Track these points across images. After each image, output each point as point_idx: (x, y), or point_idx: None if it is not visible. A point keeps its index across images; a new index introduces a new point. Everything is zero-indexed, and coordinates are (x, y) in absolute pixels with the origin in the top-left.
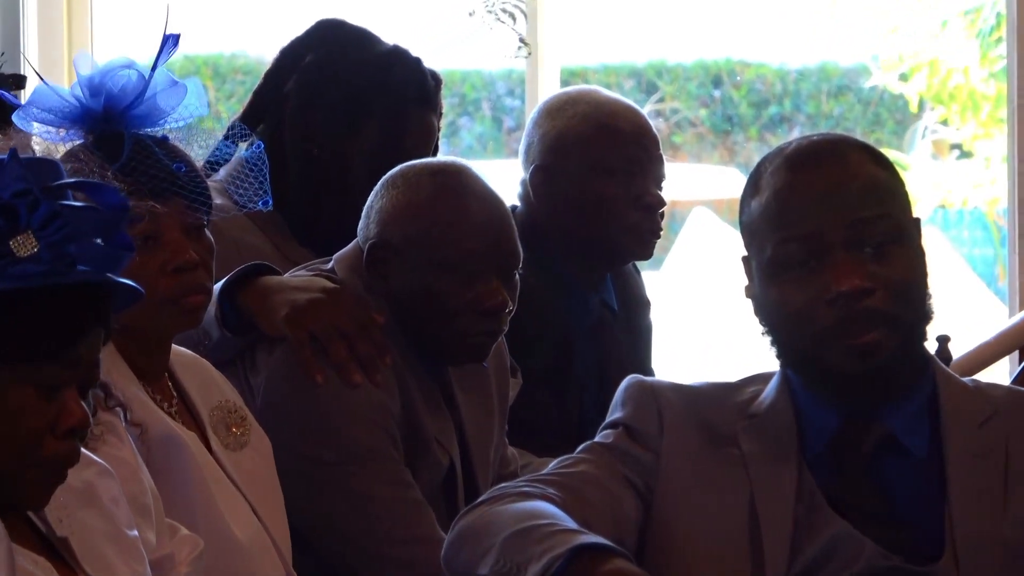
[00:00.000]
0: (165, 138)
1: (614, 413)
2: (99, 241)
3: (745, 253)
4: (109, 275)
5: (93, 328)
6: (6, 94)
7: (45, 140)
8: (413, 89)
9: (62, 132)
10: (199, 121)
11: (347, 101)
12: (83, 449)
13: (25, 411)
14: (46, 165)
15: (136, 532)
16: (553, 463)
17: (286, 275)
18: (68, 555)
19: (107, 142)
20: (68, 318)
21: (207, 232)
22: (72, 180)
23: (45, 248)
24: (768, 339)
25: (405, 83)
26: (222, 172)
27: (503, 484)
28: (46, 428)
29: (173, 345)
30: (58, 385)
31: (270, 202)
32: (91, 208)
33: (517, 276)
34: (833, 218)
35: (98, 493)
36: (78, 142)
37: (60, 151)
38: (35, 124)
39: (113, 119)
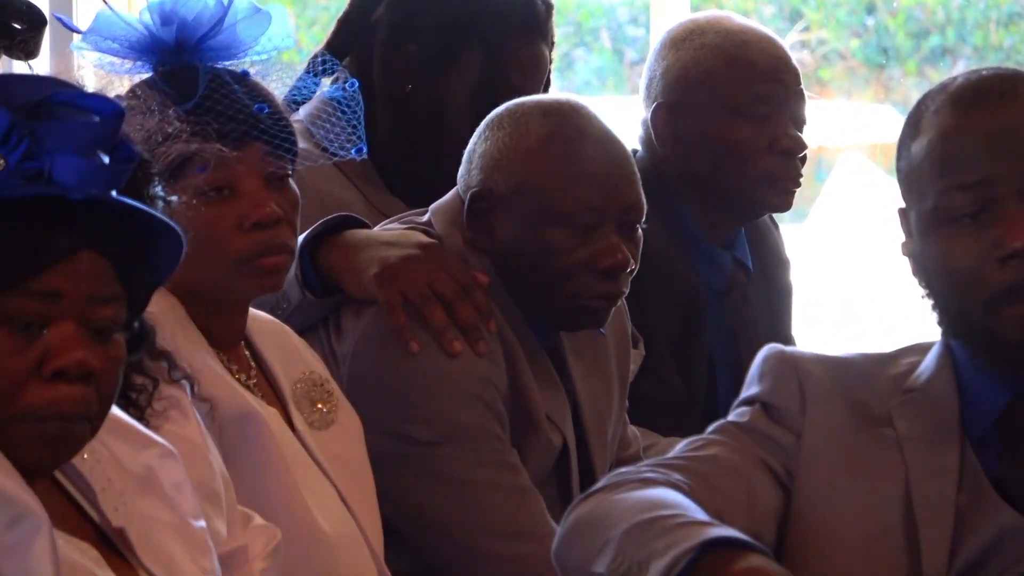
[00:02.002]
0: (246, 74)
1: (750, 388)
2: (105, 158)
3: (903, 204)
4: (93, 191)
5: (76, 253)
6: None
7: (108, 73)
8: (520, 15)
9: (127, 64)
10: (280, 55)
11: (444, 30)
12: (143, 428)
13: None
14: (27, 81)
15: (203, 522)
16: (680, 445)
17: (375, 229)
18: (125, 548)
19: (178, 77)
20: (25, 239)
21: (291, 183)
22: (62, 94)
23: (12, 165)
24: (929, 303)
25: (511, 8)
26: (303, 111)
27: (622, 469)
28: (28, 372)
29: (251, 309)
30: (34, 322)
31: (365, 149)
32: (77, 121)
33: (639, 231)
34: (1006, 164)
35: (159, 478)
36: (145, 75)
37: (124, 85)
38: (96, 55)
39: (186, 51)
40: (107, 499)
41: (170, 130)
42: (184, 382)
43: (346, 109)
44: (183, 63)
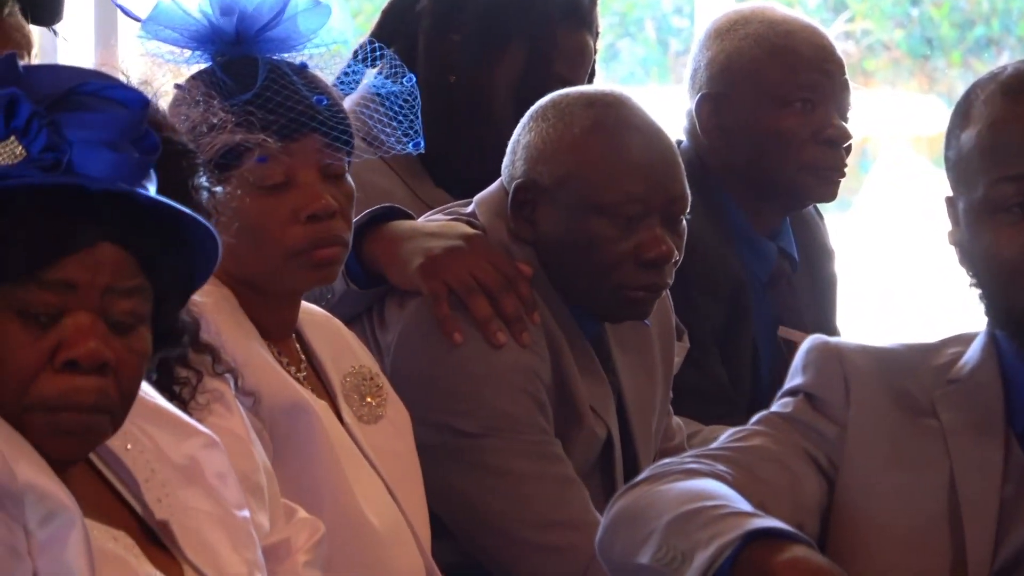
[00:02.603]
0: (304, 66)
1: (794, 379)
2: (130, 149)
3: (950, 193)
4: (116, 182)
5: (94, 244)
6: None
7: (166, 62)
8: (565, 5)
9: (186, 54)
10: (343, 48)
11: (489, 20)
12: (186, 418)
13: (10, 343)
14: (54, 72)
15: (247, 512)
16: (724, 435)
17: (420, 220)
18: (168, 541)
19: (237, 68)
20: (40, 229)
21: (347, 176)
22: (88, 85)
23: (33, 155)
24: (975, 293)
25: None
26: (347, 102)
27: (666, 460)
28: (41, 363)
29: (302, 301)
30: (47, 312)
31: (422, 144)
32: (101, 111)
33: (684, 222)
34: None
35: (202, 468)
36: (204, 65)
37: (167, 77)
38: (155, 44)
39: (245, 42)
40: (150, 490)
41: (215, 120)
42: (228, 375)
43: (403, 104)
44: (242, 54)
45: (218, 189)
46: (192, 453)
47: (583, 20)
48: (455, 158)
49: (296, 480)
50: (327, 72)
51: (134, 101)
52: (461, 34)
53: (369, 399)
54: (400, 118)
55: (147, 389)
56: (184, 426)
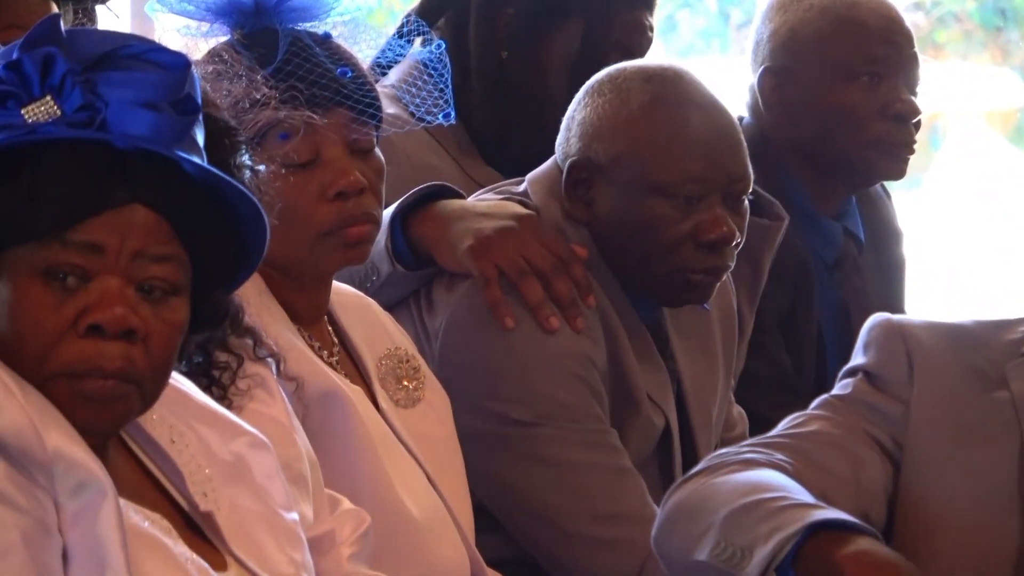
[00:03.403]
0: (327, 36)
1: (856, 358)
2: (170, 111)
3: None
4: (151, 143)
5: (124, 205)
6: None
7: (183, 36)
8: None
9: (204, 27)
10: (367, 16)
11: None
12: (233, 417)
13: (33, 305)
14: (98, 35)
15: (295, 514)
16: (782, 422)
17: (470, 199)
18: (213, 533)
19: (258, 40)
20: (67, 186)
21: (376, 150)
22: (130, 47)
23: (68, 114)
24: None
25: None
26: (393, 76)
27: (721, 450)
28: (64, 327)
29: (334, 282)
30: (73, 275)
31: (452, 115)
32: (140, 72)
33: (746, 202)
34: None
35: (249, 468)
36: (223, 39)
37: (201, 49)
38: (173, 18)
39: (265, 12)
40: (195, 484)
41: (258, 96)
42: (270, 360)
43: (433, 72)
44: (262, 25)
45: (261, 168)
46: (239, 452)
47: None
48: (507, 136)
49: (332, 470)
50: (357, 40)
51: (175, 64)
52: (515, 8)
53: (406, 382)
54: (430, 87)
55: (193, 388)
56: (231, 425)
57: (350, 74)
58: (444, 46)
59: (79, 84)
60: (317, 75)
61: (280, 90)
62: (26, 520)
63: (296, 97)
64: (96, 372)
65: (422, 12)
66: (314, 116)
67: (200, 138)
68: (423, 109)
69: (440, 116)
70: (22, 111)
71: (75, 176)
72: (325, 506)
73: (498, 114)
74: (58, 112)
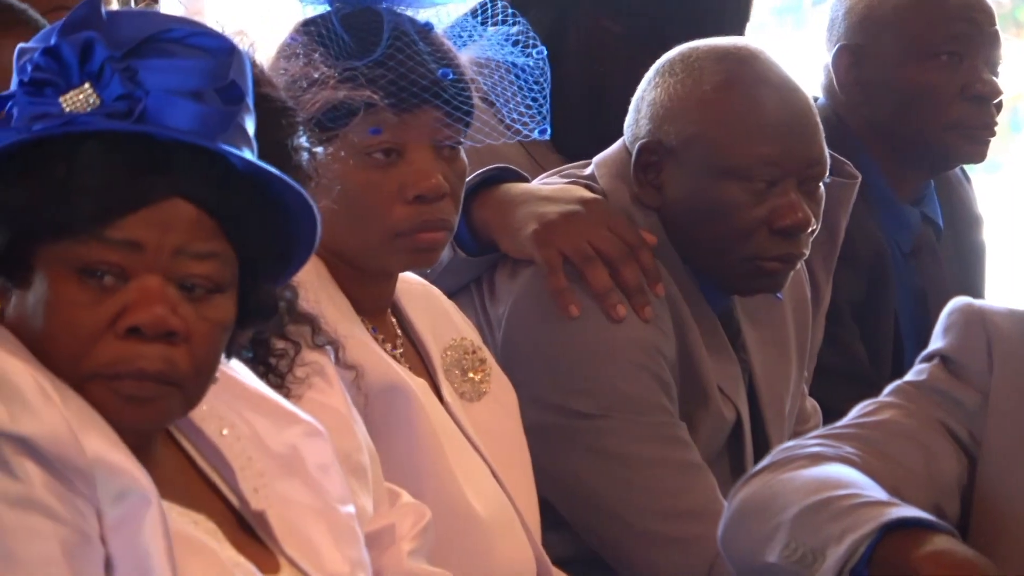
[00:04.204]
0: (430, 27)
1: (933, 343)
2: (214, 100)
3: None
4: (194, 134)
5: (164, 200)
6: None
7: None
8: (724, 21)
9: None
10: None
11: (650, 21)
12: (288, 404)
13: (68, 304)
14: (138, 17)
15: (351, 507)
16: (853, 411)
17: (534, 182)
18: (265, 533)
19: (358, 22)
20: (103, 180)
21: (462, 153)
22: (172, 31)
23: (107, 102)
24: None
25: (719, 13)
26: (481, 65)
27: (789, 443)
28: (102, 327)
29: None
30: (111, 273)
31: (548, 131)
32: (183, 59)
33: (822, 187)
34: None
35: (303, 459)
36: (322, 9)
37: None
38: None
39: None
40: (246, 479)
41: (316, 75)
42: (328, 348)
43: (535, 84)
44: (364, 4)
45: (319, 150)
46: (293, 442)
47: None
48: (596, 120)
49: (394, 465)
50: (458, 35)
51: (220, 48)
52: (622, 27)
53: (472, 374)
54: (528, 97)
55: (247, 374)
56: (286, 413)
57: (452, 76)
58: (546, 52)
59: (118, 72)
60: (418, 74)
61: (346, 70)
62: (65, 530)
63: (362, 76)
64: (132, 374)
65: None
66: (375, 97)
67: (250, 125)
68: (519, 122)
69: (536, 132)
70: (60, 99)
71: (112, 169)
72: (385, 500)
73: (591, 127)
74: (97, 101)
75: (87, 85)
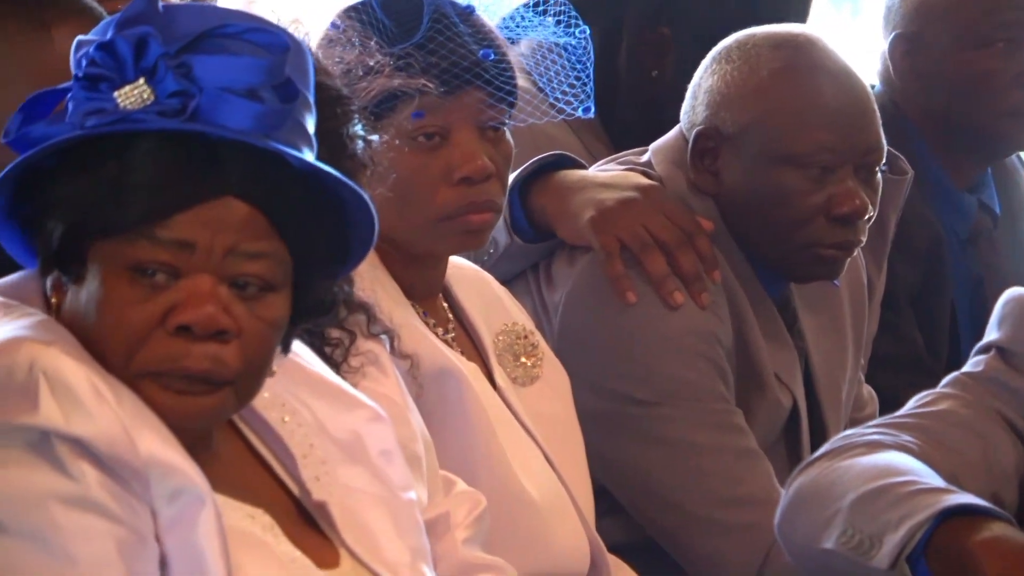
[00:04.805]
0: (471, 9)
1: (989, 334)
2: (268, 97)
3: None
4: (247, 132)
5: (216, 199)
6: None
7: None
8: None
9: None
10: None
11: (700, 27)
12: (350, 389)
13: (119, 301)
14: (195, 12)
15: (413, 494)
16: (910, 401)
17: (591, 169)
18: (326, 523)
19: (398, 6)
20: (154, 178)
21: (507, 134)
22: (228, 27)
23: (161, 98)
24: None
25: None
26: (524, 46)
27: (847, 432)
28: (152, 324)
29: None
30: (163, 272)
31: (592, 109)
32: (238, 56)
33: (879, 174)
34: None
35: (365, 445)
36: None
37: (317, 20)
38: None
39: None
40: (307, 467)
41: (371, 63)
42: (383, 337)
43: (573, 59)
44: None
45: (374, 138)
46: (355, 428)
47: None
48: (648, 111)
49: (448, 450)
50: (491, 14)
51: (276, 45)
52: (672, 31)
53: (524, 359)
54: (573, 74)
55: (309, 358)
56: (348, 398)
57: (493, 56)
58: (588, 31)
59: (172, 68)
60: (459, 56)
61: (401, 58)
62: (121, 529)
63: (417, 64)
64: (181, 372)
65: None
66: (430, 85)
67: (310, 122)
68: (563, 101)
69: (580, 110)
70: (114, 95)
71: (164, 168)
72: (439, 488)
73: (645, 124)
74: (151, 97)
75: (141, 81)
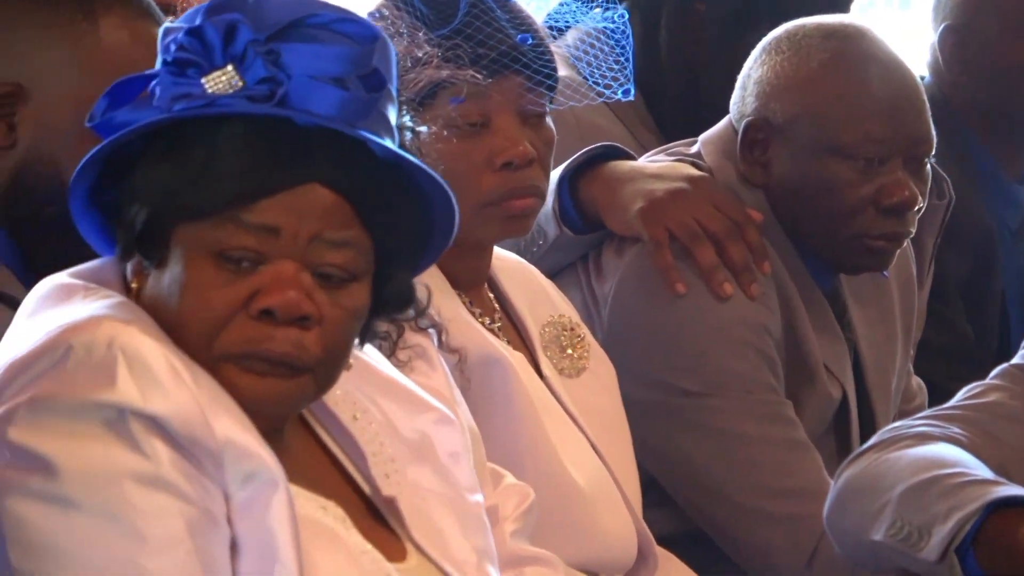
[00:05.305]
0: None
1: None
2: (355, 86)
3: None
4: (334, 120)
5: (302, 185)
6: None
7: None
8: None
9: None
10: None
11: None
12: (419, 391)
13: (202, 284)
14: (285, 2)
15: (479, 496)
16: (960, 393)
17: (640, 160)
18: (395, 519)
19: None
20: (241, 163)
21: (548, 120)
22: (318, 16)
23: (250, 85)
24: None
25: None
26: (570, 37)
27: (895, 424)
28: (235, 307)
29: (495, 248)
30: (247, 258)
31: (632, 91)
32: (327, 45)
33: (928, 165)
34: None
35: (434, 446)
36: None
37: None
38: None
39: None
40: (377, 464)
41: (420, 54)
42: (431, 330)
43: (615, 43)
44: None
45: (423, 129)
46: (424, 429)
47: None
48: (692, 99)
49: (494, 439)
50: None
51: (365, 36)
52: (706, 6)
53: (570, 351)
54: (612, 57)
55: (379, 359)
56: (417, 400)
57: (531, 40)
58: (627, 16)
59: (261, 55)
60: (497, 40)
61: (450, 49)
62: (192, 510)
63: (466, 56)
64: (262, 355)
65: None
66: (478, 76)
67: (392, 114)
68: (602, 84)
69: (620, 92)
70: (203, 80)
71: (252, 153)
72: (488, 481)
73: (687, 101)
74: (239, 83)
75: (230, 67)
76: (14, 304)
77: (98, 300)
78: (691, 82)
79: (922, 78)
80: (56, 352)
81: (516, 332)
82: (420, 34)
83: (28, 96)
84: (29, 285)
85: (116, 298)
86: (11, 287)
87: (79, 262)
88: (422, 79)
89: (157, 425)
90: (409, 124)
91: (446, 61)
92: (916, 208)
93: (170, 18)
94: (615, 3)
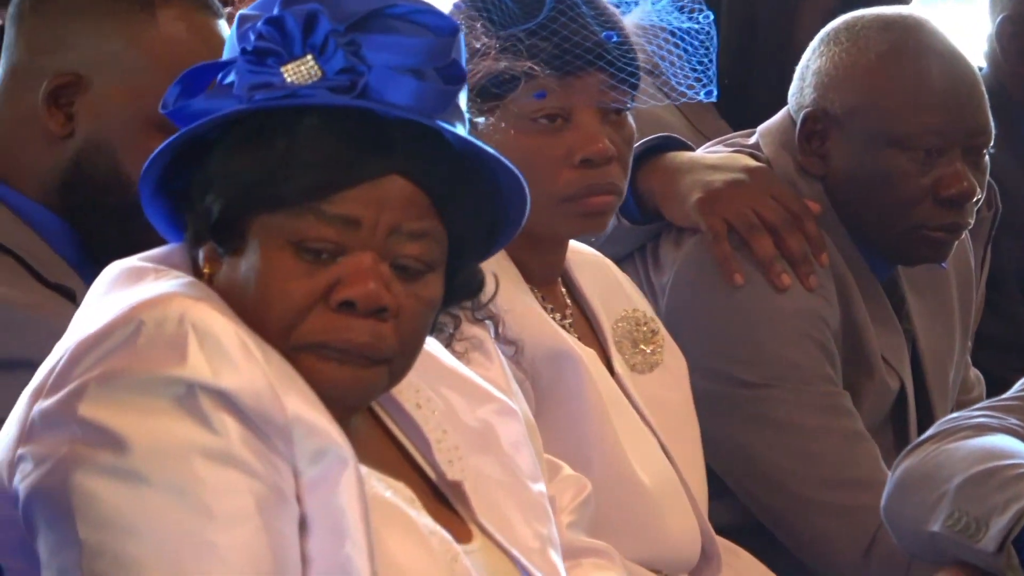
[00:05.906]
0: None
1: None
2: (434, 78)
3: None
4: (413, 111)
5: (382, 176)
6: None
7: None
8: None
9: None
10: None
11: None
12: (482, 382)
13: (282, 275)
14: None
15: (542, 486)
16: (1018, 384)
17: (699, 151)
18: (461, 503)
19: None
20: (322, 154)
21: (629, 117)
22: (397, 7)
23: (329, 75)
24: None
25: None
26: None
27: (953, 415)
28: (314, 298)
29: (571, 240)
30: (326, 250)
31: (715, 92)
32: (407, 36)
33: (986, 157)
34: None
35: (497, 435)
36: None
37: None
38: None
39: None
40: (441, 451)
41: (478, 45)
42: (488, 322)
43: (695, 43)
44: None
45: (480, 120)
46: (487, 418)
47: None
48: (751, 87)
49: (561, 435)
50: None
51: (444, 27)
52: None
53: (643, 346)
54: (694, 60)
55: (441, 350)
56: (479, 390)
57: (616, 38)
58: (712, 17)
59: (342, 46)
60: (582, 37)
61: (508, 41)
62: (261, 486)
63: (551, 55)
64: (341, 344)
65: None
66: (535, 68)
67: (464, 105)
68: (684, 85)
69: (702, 93)
70: (282, 70)
71: (332, 144)
72: (544, 471)
73: (744, 75)
74: (319, 73)
75: (309, 57)
76: (72, 296)
77: (170, 280)
78: (745, 49)
79: (980, 69)
80: (127, 328)
81: (589, 327)
82: (478, 25)
83: (86, 87)
84: (86, 275)
85: (187, 278)
86: (69, 279)
87: (139, 251)
88: (479, 71)
89: (227, 400)
90: (468, 115)
91: (509, 51)
92: (975, 199)
93: (227, 9)
94: (701, 5)
